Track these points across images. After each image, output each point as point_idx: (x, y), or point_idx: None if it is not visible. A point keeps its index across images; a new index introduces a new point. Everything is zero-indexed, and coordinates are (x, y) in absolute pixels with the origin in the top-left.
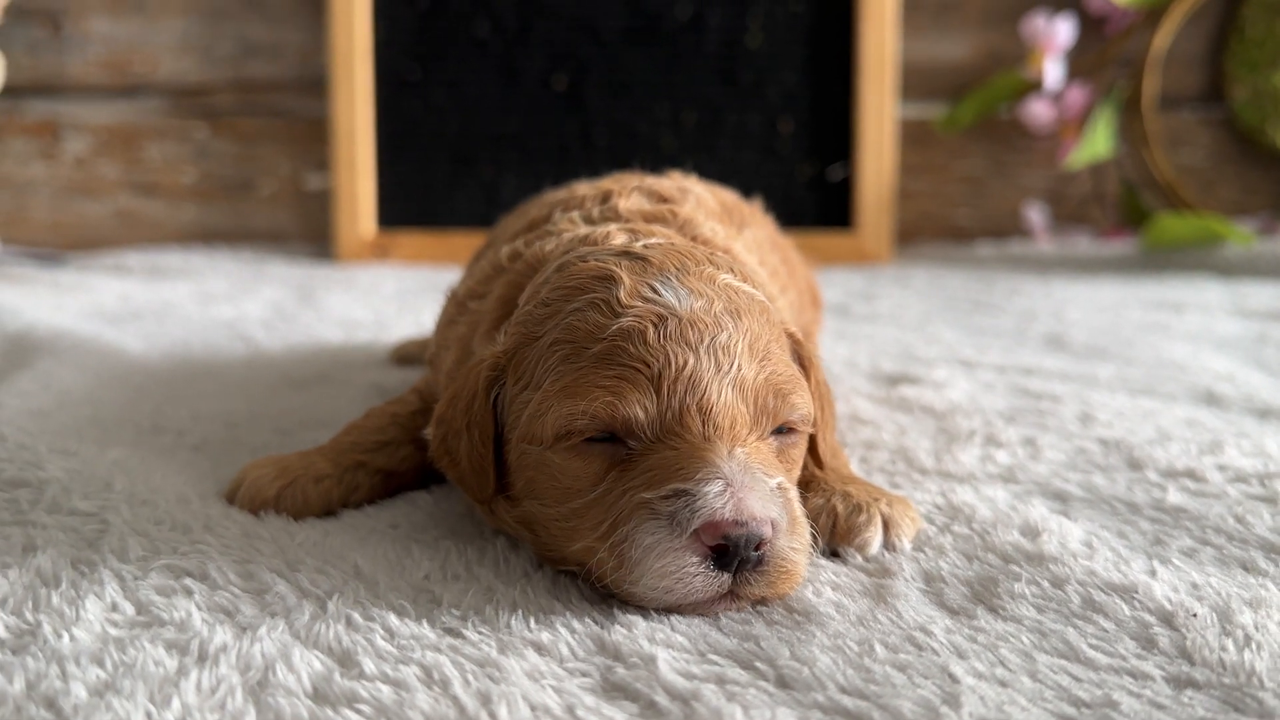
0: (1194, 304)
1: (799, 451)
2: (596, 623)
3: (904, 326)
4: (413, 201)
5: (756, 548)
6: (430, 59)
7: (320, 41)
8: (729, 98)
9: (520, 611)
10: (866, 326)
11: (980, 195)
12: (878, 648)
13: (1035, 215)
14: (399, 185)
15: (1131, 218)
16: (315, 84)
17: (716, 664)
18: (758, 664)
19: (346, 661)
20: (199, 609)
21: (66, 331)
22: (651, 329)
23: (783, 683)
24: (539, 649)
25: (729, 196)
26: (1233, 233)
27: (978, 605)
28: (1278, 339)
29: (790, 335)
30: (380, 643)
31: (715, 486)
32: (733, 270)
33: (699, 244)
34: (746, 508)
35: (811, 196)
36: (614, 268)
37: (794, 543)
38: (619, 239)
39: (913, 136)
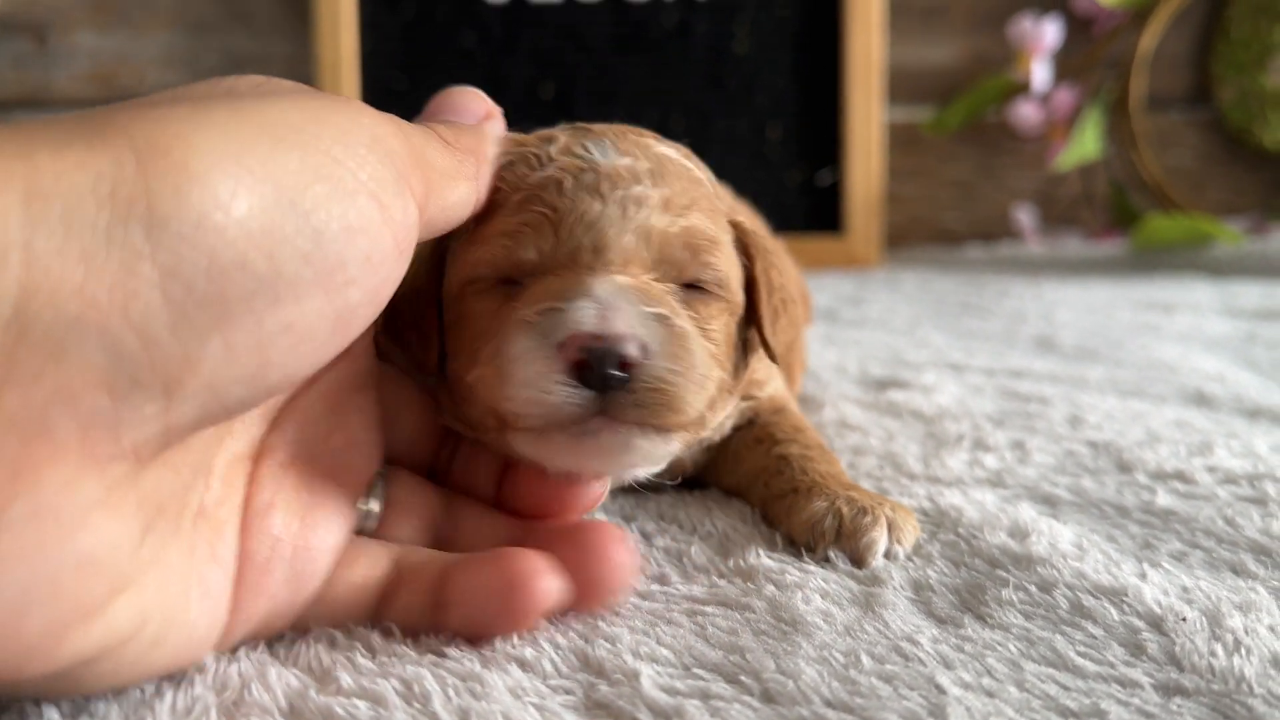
0: (1183, 304)
1: (717, 321)
2: (581, 637)
3: (893, 330)
4: None
5: (623, 367)
6: (416, 69)
7: (306, 53)
8: (717, 104)
9: None
10: (855, 331)
11: (969, 198)
12: (864, 659)
13: (1025, 217)
14: None
15: (1121, 218)
16: None
17: (701, 678)
18: (743, 677)
19: (324, 678)
20: None
21: None
22: (569, 180)
23: (768, 697)
24: (522, 665)
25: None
26: (1222, 232)
27: (965, 613)
28: (1267, 338)
29: (735, 224)
30: (360, 660)
31: (585, 303)
32: (678, 151)
33: None
34: (610, 324)
35: (801, 201)
36: (557, 132)
37: (674, 366)
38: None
39: (901, 140)
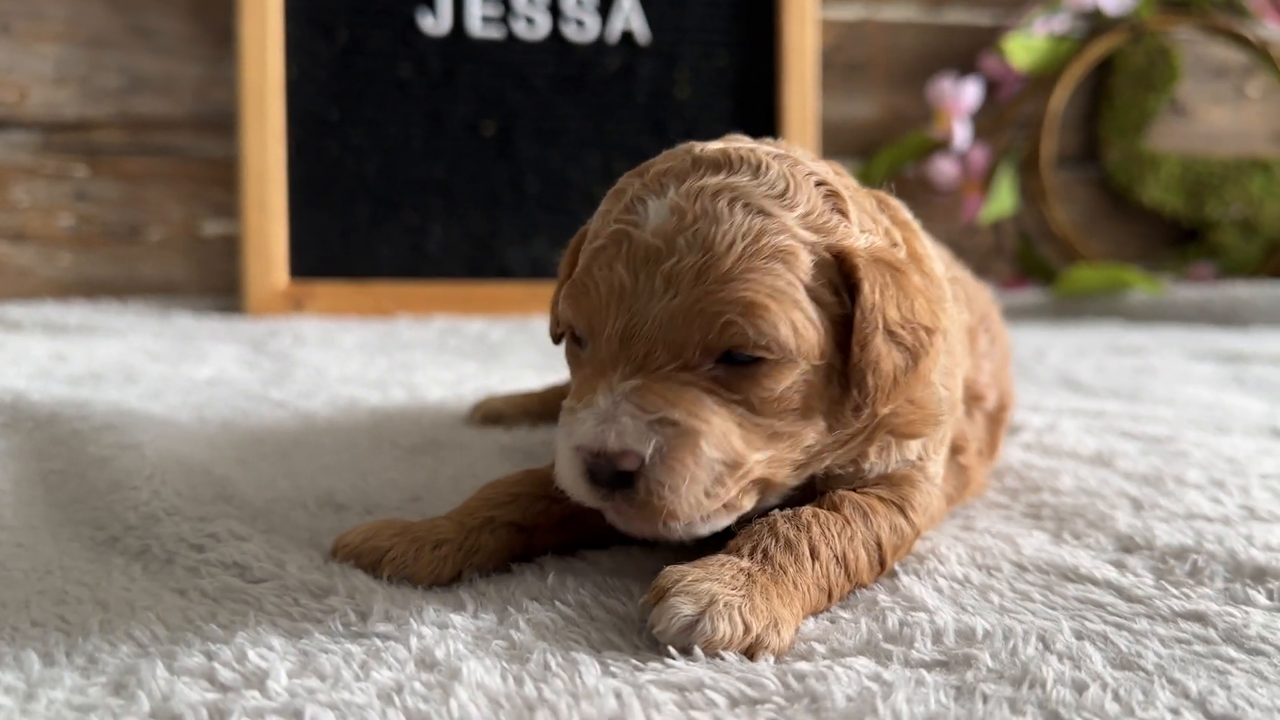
0: (1151, 347)
1: (774, 383)
2: None
3: None
4: (330, 250)
5: (622, 474)
6: (348, 99)
7: (218, 76)
8: (659, 148)
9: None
10: None
11: None
12: None
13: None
14: (314, 232)
15: (1029, 269)
16: (212, 122)
17: None
18: None
19: None
20: None
21: (70, 399)
22: (613, 247)
23: None
24: None
25: None
26: (1140, 281)
27: None
28: (1257, 377)
29: (840, 255)
30: None
31: (588, 416)
32: (760, 174)
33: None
34: (603, 440)
35: None
36: (633, 178)
37: (667, 478)
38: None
39: None
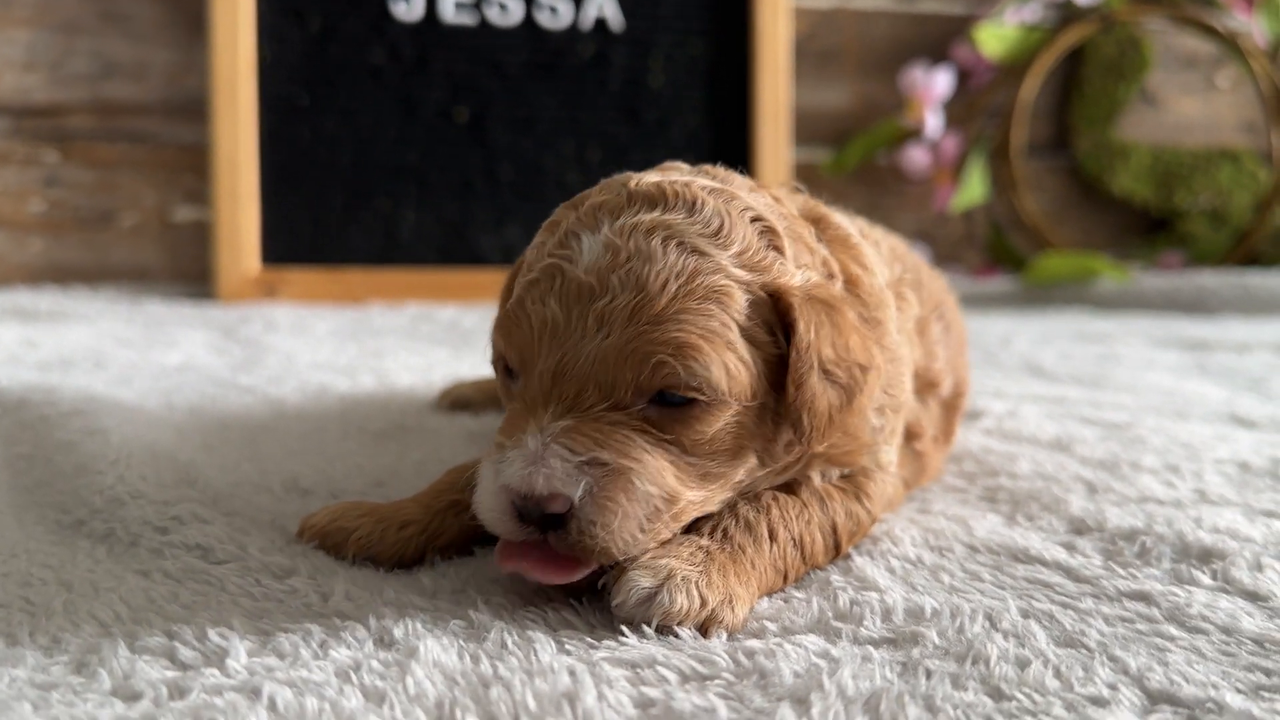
0: (1117, 335)
1: (710, 424)
2: None
3: None
4: (301, 236)
5: (553, 516)
6: (321, 85)
7: (191, 62)
8: (633, 136)
9: None
10: None
11: None
12: None
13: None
14: (286, 219)
15: (999, 257)
16: (185, 108)
17: None
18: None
19: None
20: None
21: (39, 385)
22: (545, 281)
23: None
24: None
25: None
26: (1109, 269)
27: None
28: (1219, 365)
29: (775, 294)
30: None
31: (517, 457)
32: (695, 212)
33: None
34: (531, 483)
35: None
36: (568, 210)
37: (599, 518)
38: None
39: (798, 179)
